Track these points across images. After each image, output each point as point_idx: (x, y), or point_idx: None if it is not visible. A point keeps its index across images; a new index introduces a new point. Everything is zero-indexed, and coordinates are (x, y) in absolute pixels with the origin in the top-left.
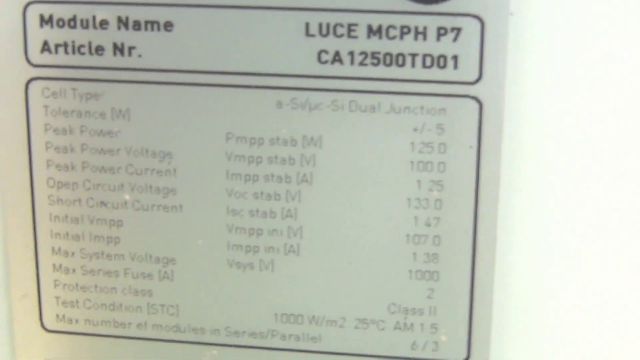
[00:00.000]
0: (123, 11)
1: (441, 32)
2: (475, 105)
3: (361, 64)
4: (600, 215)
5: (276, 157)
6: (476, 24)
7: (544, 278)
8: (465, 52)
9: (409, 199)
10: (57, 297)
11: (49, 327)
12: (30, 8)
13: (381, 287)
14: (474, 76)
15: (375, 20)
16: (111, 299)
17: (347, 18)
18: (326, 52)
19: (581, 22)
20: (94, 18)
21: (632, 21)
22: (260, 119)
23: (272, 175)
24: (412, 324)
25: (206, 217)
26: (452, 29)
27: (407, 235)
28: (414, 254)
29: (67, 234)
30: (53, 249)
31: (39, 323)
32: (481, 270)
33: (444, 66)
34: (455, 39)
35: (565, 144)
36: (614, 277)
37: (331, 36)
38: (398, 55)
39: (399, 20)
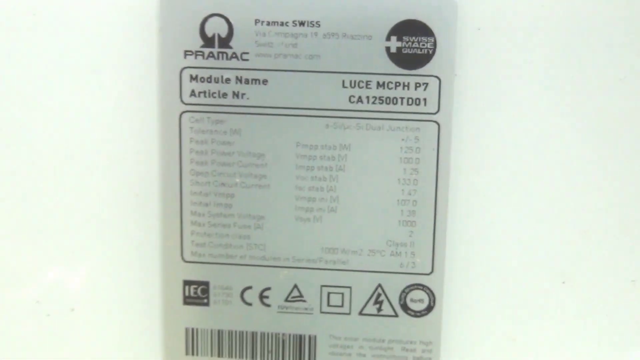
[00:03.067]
0: (239, 73)
1: (417, 85)
2: (436, 126)
3: (373, 103)
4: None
5: (324, 155)
6: (436, 81)
7: (475, 227)
8: (430, 96)
9: (399, 179)
10: (192, 241)
11: (186, 259)
12: (184, 71)
13: (383, 231)
14: (435, 109)
15: (381, 79)
16: (225, 241)
17: (365, 77)
18: (354, 96)
19: (499, 80)
20: (222, 77)
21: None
22: (316, 134)
23: (322, 166)
24: (400, 252)
25: (284, 191)
26: (423, 83)
27: (398, 200)
28: (402, 210)
29: (200, 202)
30: (191, 212)
31: (180, 257)
32: (439, 220)
33: (419, 104)
34: (425, 89)
35: (488, 147)
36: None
37: (356, 87)
38: (394, 98)
39: (394, 79)
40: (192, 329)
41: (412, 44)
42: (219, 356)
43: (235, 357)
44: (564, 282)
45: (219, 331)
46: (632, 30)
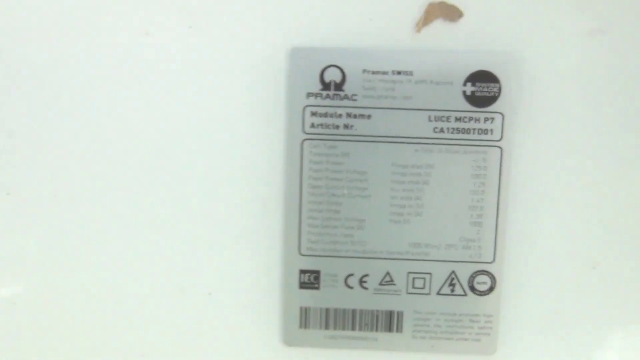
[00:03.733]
0: (349, 110)
1: (486, 119)
2: (499, 150)
3: (452, 132)
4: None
5: (413, 172)
6: (500, 116)
7: (528, 226)
8: (496, 127)
9: (470, 190)
10: (308, 239)
11: (302, 253)
12: (307, 108)
13: (457, 230)
14: (499, 138)
15: (459, 114)
16: (333, 239)
17: (446, 113)
18: (437, 127)
19: (549, 115)
20: (335, 113)
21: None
22: (407, 156)
23: (411, 181)
24: (469, 246)
25: (381, 200)
26: (490, 118)
27: (469, 206)
28: (471, 214)
29: (315, 209)
30: (308, 216)
31: (298, 251)
32: (500, 222)
33: (487, 134)
34: (491, 122)
35: (540, 166)
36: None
37: (439, 121)
38: (467, 129)
39: (468, 114)
40: (306, 308)
41: (483, 88)
42: (326, 329)
43: (339, 329)
44: (594, 268)
45: (326, 309)
46: None
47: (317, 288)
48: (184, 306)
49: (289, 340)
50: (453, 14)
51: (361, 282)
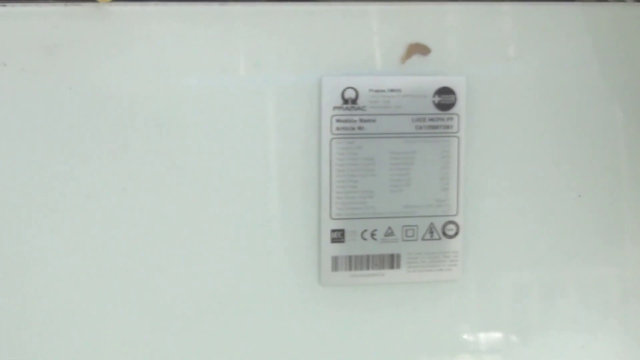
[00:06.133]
0: (361, 117)
1: (448, 118)
2: (457, 139)
3: (427, 129)
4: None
5: (403, 157)
6: (457, 116)
7: (481, 190)
8: (455, 124)
9: (440, 167)
10: (336, 207)
11: (333, 217)
12: (333, 117)
13: (433, 194)
14: (456, 130)
15: (430, 116)
16: (353, 206)
17: (423, 115)
18: (418, 125)
19: (491, 116)
20: (352, 119)
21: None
22: (399, 146)
23: (402, 163)
24: (441, 205)
25: (383, 177)
26: (451, 118)
27: (440, 177)
28: (442, 183)
29: (340, 186)
30: (336, 192)
31: (329, 216)
32: (461, 186)
33: (449, 128)
34: (451, 120)
35: (485, 150)
36: None
37: (419, 121)
38: (437, 125)
39: (436, 116)
40: (335, 256)
41: (445, 99)
42: (349, 270)
43: (358, 269)
44: (524, 216)
45: (349, 256)
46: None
47: (343, 242)
48: (246, 260)
49: (323, 281)
50: (425, 51)
51: (372, 235)
